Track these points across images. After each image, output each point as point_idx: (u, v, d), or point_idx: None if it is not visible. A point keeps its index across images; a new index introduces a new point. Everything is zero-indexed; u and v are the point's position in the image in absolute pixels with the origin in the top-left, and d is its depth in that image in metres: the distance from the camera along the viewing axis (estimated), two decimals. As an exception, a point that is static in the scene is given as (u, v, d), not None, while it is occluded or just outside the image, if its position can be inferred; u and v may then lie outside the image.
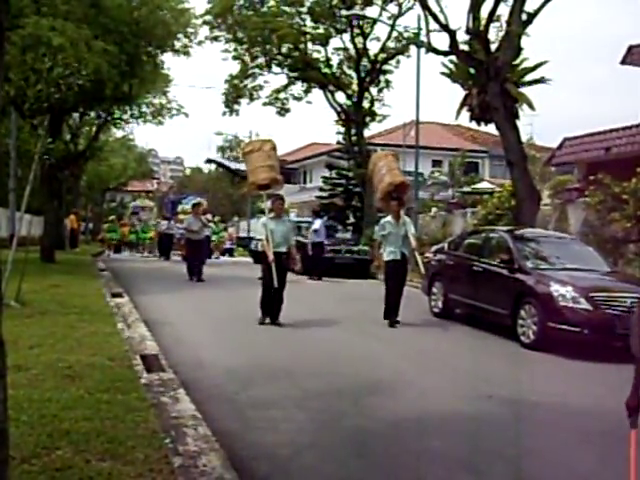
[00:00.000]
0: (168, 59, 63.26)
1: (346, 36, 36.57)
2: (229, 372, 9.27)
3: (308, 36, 36.82)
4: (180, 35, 27.67)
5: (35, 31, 19.55)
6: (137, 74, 26.08)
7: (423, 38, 26.34)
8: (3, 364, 4.08)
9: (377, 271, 19.87)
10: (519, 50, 21.64)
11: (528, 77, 31.17)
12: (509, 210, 23.36)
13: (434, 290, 16.36)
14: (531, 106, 30.14)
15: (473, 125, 32.84)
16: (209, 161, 39.54)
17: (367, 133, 40.35)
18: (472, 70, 24.72)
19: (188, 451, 5.65)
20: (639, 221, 18.30)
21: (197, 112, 73.98)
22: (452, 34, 20.68)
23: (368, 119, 38.43)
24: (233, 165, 37.11)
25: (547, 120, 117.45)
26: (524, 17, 19.94)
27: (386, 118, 40.30)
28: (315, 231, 25.53)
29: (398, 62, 37.95)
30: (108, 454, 5.42)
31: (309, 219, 29.56)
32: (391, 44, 36.61)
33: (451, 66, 30.22)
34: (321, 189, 48.15)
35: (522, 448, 6.77)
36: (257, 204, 58.70)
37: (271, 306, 13.73)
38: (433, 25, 22.33)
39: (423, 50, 28.20)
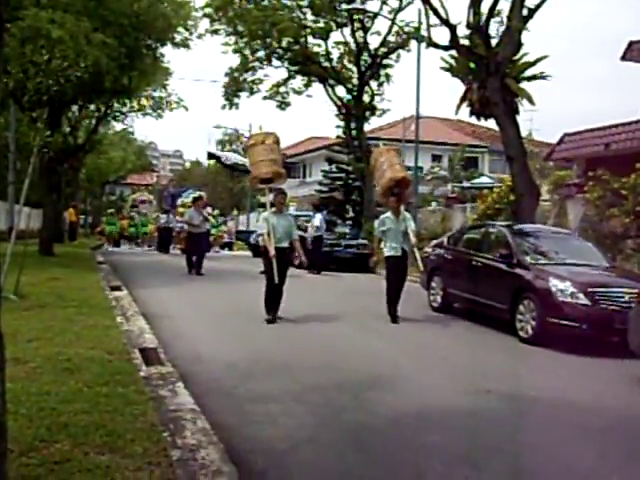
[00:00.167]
0: (168, 52, 63.20)
1: (346, 30, 36.52)
2: (228, 366, 9.27)
3: (308, 30, 36.74)
4: (180, 28, 27.62)
5: (34, 23, 19.48)
6: (137, 67, 26.03)
7: (424, 32, 26.39)
8: (2, 357, 4.09)
9: (376, 265, 19.82)
10: (519, 45, 21.60)
11: (528, 72, 31.19)
12: (508, 205, 23.37)
13: (433, 285, 16.36)
14: (531, 101, 30.22)
15: (473, 120, 32.96)
16: (211, 156, 39.15)
17: (367, 127, 40.30)
18: (472, 65, 24.76)
19: (187, 444, 5.66)
20: (638, 217, 18.32)
21: (197, 105, 74.14)
22: (452, 29, 20.67)
23: (368, 113, 38.37)
24: (232, 159, 36.77)
25: (547, 116, 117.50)
26: (525, 12, 19.89)
27: (386, 112, 40.23)
28: (315, 225, 25.59)
29: (398, 56, 37.89)
30: (107, 447, 5.43)
31: (309, 213, 29.59)
32: (391, 38, 36.55)
33: (451, 61, 30.28)
34: (320, 183, 48.18)
35: (521, 443, 6.78)
36: (257, 198, 58.76)
37: (273, 302, 13.62)
38: (434, 20, 22.33)
39: (423, 45, 28.25)
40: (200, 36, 30.27)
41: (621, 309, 11.60)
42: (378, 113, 39.27)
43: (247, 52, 37.72)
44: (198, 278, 21.45)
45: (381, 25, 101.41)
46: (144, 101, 36.35)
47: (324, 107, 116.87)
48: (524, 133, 23.12)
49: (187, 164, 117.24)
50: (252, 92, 39.19)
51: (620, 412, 8.22)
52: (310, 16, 36.40)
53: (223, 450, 5.64)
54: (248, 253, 35.90)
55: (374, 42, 36.92)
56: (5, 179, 33.11)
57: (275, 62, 38.36)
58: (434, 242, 18.46)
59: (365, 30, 36.13)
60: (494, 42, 20.83)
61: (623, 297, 11.89)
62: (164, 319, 12.78)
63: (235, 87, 38.80)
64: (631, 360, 10.28)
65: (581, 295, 12.10)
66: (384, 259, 14.91)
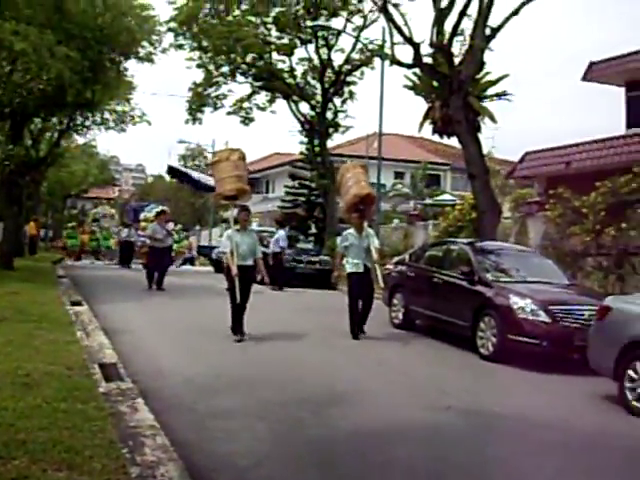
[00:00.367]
0: (132, 66, 62.93)
1: (311, 47, 36.72)
2: (188, 382, 9.21)
3: (273, 46, 36.90)
4: (144, 42, 27.55)
5: (-3, 35, 19.37)
6: (100, 80, 25.95)
7: (387, 50, 26.50)
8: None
9: (337, 281, 19.80)
10: (482, 64, 21.85)
11: (490, 91, 31.45)
12: (470, 222, 23.50)
13: (395, 302, 16.38)
14: (493, 119, 30.41)
15: (436, 138, 33.10)
16: (170, 171, 38.43)
17: (330, 144, 40.49)
18: (435, 83, 24.94)
19: (146, 461, 5.61)
20: (598, 235, 18.51)
21: (160, 120, 73.86)
22: (416, 47, 20.83)
23: (331, 130, 38.53)
24: (196, 176, 36.41)
25: (508, 134, 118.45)
26: (487, 31, 20.12)
27: (349, 129, 40.39)
28: (277, 241, 25.62)
29: (362, 74, 38.13)
30: (65, 464, 5.36)
31: (272, 229, 29.56)
32: (355, 56, 36.80)
33: (414, 79, 30.42)
34: (283, 200, 48.17)
35: (481, 458, 6.82)
36: (219, 213, 58.61)
37: (241, 322, 13.36)
38: (397, 38, 22.52)
39: (387, 62, 28.36)
40: (164, 50, 30.17)
41: (581, 326, 11.70)
42: (341, 130, 39.45)
43: (211, 67, 37.80)
44: (159, 293, 21.31)
45: (345, 42, 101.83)
46: (107, 115, 36.16)
47: (288, 123, 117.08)
48: (485, 151, 23.26)
49: (149, 179, 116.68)
50: (216, 107, 39.22)
51: (580, 428, 8.29)
52: (275, 32, 36.56)
53: (183, 467, 5.59)
54: (210, 268, 35.78)
55: (338, 59, 37.20)
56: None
57: (239, 78, 38.50)
58: (396, 259, 18.52)
59: (329, 47, 36.35)
60: (457, 61, 21.02)
61: (583, 314, 12.00)
62: (125, 334, 12.66)
63: (199, 102, 38.76)
64: (591, 377, 10.38)
65: (541, 312, 12.19)
66: (346, 275, 14.91)
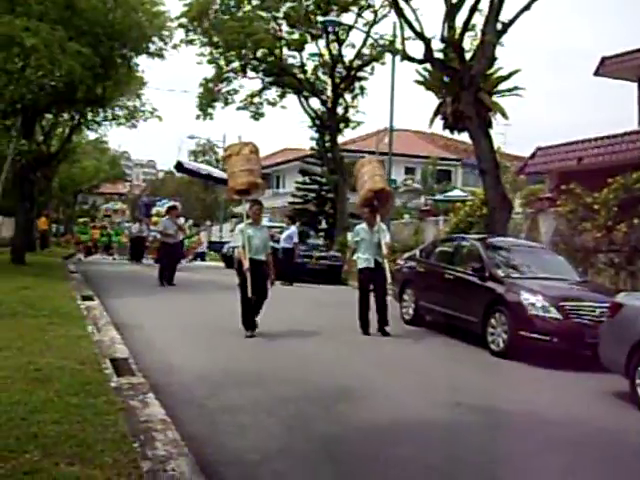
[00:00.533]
0: (142, 62, 62.76)
1: (321, 42, 36.74)
2: (199, 377, 9.23)
3: (283, 41, 36.91)
4: (155, 38, 27.55)
5: (8, 31, 19.39)
6: (111, 76, 25.96)
7: (398, 46, 26.48)
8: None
9: (347, 276, 19.79)
10: (493, 59, 21.75)
11: (502, 86, 31.31)
12: (481, 218, 23.43)
13: (405, 297, 16.36)
14: (504, 115, 30.29)
15: (446, 133, 32.97)
16: (179, 167, 37.52)
17: (341, 139, 40.47)
18: (446, 78, 24.85)
19: (157, 455, 5.62)
20: (609, 231, 18.43)
21: (171, 115, 73.61)
22: (427, 42, 20.76)
23: (342, 125, 38.54)
24: (204, 170, 36.15)
25: (520, 129, 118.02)
26: (499, 27, 20.04)
27: (360, 125, 40.46)
28: (289, 237, 25.63)
29: (373, 69, 38.14)
30: (76, 458, 5.38)
31: (281, 225, 29.58)
32: (366, 51, 36.80)
33: (425, 74, 30.28)
34: (294, 195, 48.17)
35: (492, 455, 6.81)
36: (230, 209, 58.63)
37: (252, 317, 13.17)
38: (408, 33, 22.48)
39: (398, 57, 28.31)
40: (175, 46, 30.24)
41: (592, 323, 11.66)
42: (352, 125, 39.50)
43: (222, 63, 37.76)
44: (170, 288, 21.35)
45: (356, 38, 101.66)
46: (118, 110, 36.19)
47: (298, 118, 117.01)
48: (496, 146, 23.17)
49: (160, 174, 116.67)
50: (227, 103, 39.26)
51: (591, 425, 8.27)
52: (285, 27, 36.56)
53: (194, 461, 5.60)
54: (221, 264, 35.82)
55: (349, 54, 37.21)
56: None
57: (250, 73, 38.50)
58: (407, 255, 18.49)
59: (340, 42, 36.33)
60: (468, 56, 20.95)
61: (594, 311, 11.95)
62: (136, 329, 12.70)
63: (209, 97, 38.78)
64: (602, 374, 10.34)
65: (553, 309, 12.15)
66: (357, 271, 14.91)
